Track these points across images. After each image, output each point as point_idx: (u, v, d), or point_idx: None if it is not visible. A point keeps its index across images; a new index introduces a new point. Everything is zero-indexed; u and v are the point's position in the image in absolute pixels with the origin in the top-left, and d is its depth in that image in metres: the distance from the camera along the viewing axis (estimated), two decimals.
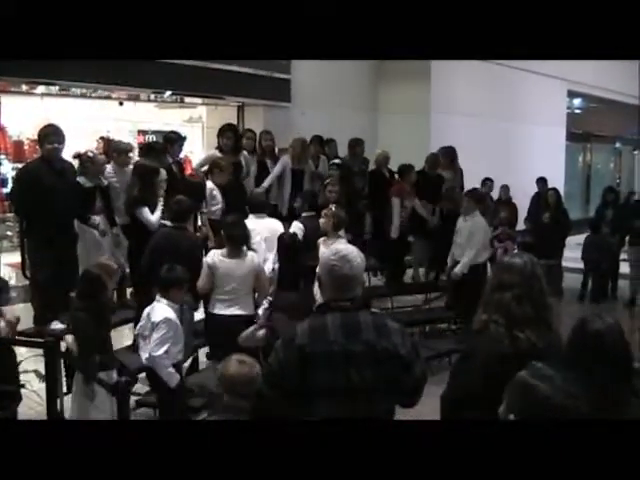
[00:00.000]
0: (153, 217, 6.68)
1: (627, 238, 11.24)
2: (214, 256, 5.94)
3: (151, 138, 11.39)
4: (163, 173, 7.14)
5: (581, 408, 2.41)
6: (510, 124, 15.25)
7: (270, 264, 6.25)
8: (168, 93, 10.99)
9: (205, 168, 8.17)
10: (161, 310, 5.02)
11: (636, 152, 21.61)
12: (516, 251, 8.05)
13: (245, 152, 8.64)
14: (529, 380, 2.51)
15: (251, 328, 4.98)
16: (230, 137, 8.42)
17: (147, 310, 5.17)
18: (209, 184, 7.55)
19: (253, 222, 6.68)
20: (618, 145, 22.47)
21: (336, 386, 2.87)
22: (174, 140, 8.11)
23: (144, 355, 5.05)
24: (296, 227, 6.90)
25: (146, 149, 7.83)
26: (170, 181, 7.33)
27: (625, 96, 19.72)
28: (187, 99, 11.87)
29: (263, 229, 6.73)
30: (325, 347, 2.89)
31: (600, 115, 20.49)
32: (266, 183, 8.75)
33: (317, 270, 3.25)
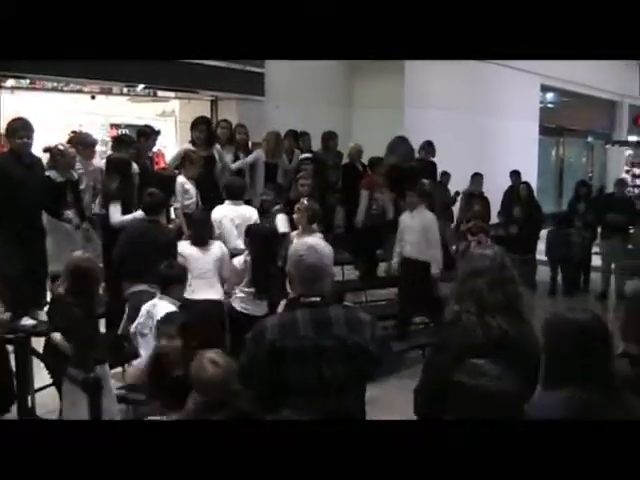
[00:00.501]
0: (120, 217, 6.63)
1: (599, 231, 11.36)
2: (183, 246, 6.16)
3: (124, 132, 11.27)
4: (135, 167, 7.08)
5: (508, 390, 2.40)
6: (484, 118, 15.29)
7: (242, 256, 6.23)
8: (141, 87, 10.89)
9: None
10: (166, 308, 4.89)
11: (608, 146, 21.76)
12: (489, 244, 8.04)
13: (218, 146, 8.57)
14: (458, 378, 2.49)
15: (138, 360, 4.82)
16: (203, 130, 8.34)
17: (146, 308, 5.10)
18: (180, 178, 7.45)
19: (227, 208, 6.72)
20: (590, 139, 22.61)
21: (307, 381, 2.87)
22: (148, 134, 8.07)
23: (147, 353, 4.89)
24: (283, 219, 6.92)
25: (117, 142, 7.77)
26: (142, 175, 7.29)
27: (598, 91, 19.90)
28: (160, 93, 11.74)
29: (236, 216, 6.76)
30: (295, 342, 2.88)
31: (573, 109, 20.62)
32: (234, 166, 8.67)
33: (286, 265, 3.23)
